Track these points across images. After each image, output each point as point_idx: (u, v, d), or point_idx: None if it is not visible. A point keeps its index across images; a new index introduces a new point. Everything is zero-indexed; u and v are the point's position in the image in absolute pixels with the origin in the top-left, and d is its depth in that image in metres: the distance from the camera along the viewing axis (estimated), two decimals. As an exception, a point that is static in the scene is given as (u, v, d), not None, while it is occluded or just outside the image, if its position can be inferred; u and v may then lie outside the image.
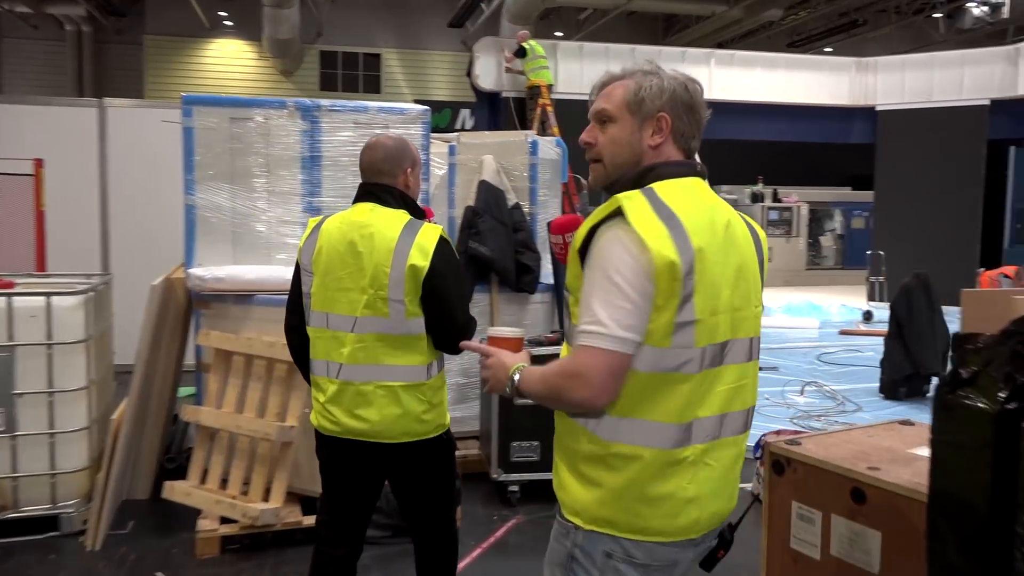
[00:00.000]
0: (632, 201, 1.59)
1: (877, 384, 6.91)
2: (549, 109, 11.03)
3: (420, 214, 2.57)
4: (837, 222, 17.68)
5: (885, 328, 10.28)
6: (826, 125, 13.18)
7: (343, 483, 2.60)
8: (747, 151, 16.66)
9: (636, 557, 1.65)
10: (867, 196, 18.36)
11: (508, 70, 11.46)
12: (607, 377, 1.55)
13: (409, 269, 2.40)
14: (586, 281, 1.59)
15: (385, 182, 2.54)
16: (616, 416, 1.61)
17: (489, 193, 5.12)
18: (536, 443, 4.36)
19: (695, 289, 1.57)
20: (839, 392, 6.73)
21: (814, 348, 9.10)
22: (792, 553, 2.21)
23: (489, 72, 11.92)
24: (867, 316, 11.10)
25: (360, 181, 2.60)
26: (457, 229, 5.16)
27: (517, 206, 5.24)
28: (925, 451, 2.21)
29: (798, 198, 17.14)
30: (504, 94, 11.92)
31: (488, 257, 4.98)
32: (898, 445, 2.24)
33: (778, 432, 4.54)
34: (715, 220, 1.65)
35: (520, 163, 5.33)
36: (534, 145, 5.34)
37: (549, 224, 2.09)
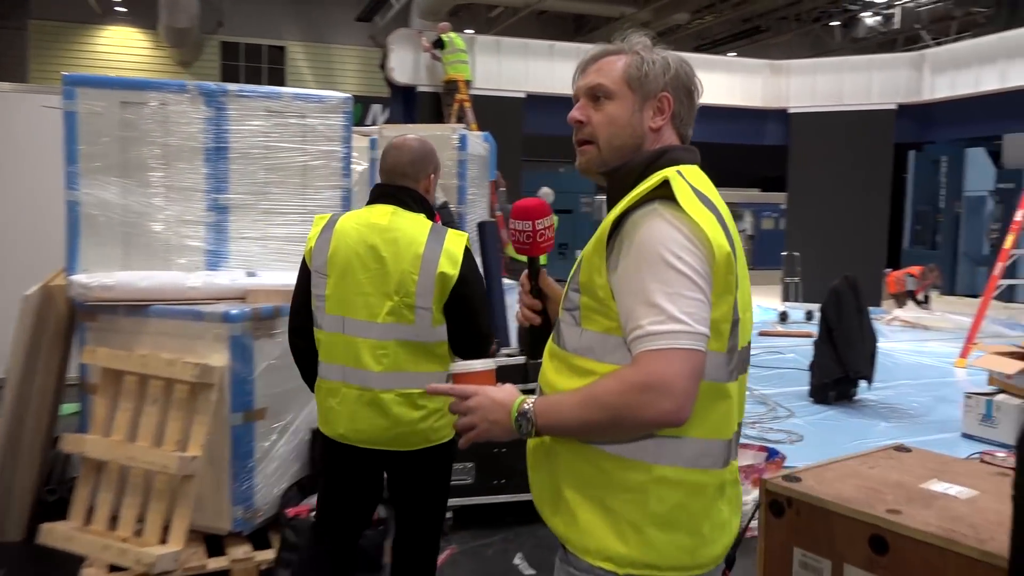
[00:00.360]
0: (677, 182, 1.39)
1: (804, 387, 6.84)
2: (467, 105, 10.67)
3: (434, 219, 2.50)
4: (747, 223, 17.96)
5: (802, 329, 10.46)
6: (740, 127, 13.26)
7: (346, 488, 2.58)
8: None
9: None
10: (776, 198, 18.76)
11: (434, 56, 11.03)
12: (692, 383, 1.31)
13: (439, 277, 2.36)
14: (630, 274, 1.36)
15: (408, 185, 2.46)
16: (662, 434, 1.39)
17: (414, 191, 4.72)
18: (471, 464, 3.99)
19: (737, 283, 1.40)
20: (768, 396, 6.62)
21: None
22: (792, 608, 1.93)
23: (405, 65, 11.46)
24: (783, 317, 11.18)
25: (377, 181, 2.52)
26: (379, 230, 4.75)
27: (445, 205, 4.86)
28: (939, 486, 1.98)
29: (710, 199, 17.31)
30: (420, 88, 11.49)
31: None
32: (907, 479, 1.98)
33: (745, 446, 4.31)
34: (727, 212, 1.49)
35: (448, 159, 4.95)
36: (463, 140, 4.97)
37: (511, 207, 1.72)
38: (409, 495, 2.58)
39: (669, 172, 1.42)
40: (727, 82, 12.99)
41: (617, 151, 1.50)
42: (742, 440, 3.16)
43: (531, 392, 1.49)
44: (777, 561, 1.96)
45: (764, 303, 12.79)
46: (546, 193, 10.57)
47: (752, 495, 4.02)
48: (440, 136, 5.00)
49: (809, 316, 11.24)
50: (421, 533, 2.60)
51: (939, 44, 17.23)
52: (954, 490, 1.91)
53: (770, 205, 18.19)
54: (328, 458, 2.57)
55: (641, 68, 1.50)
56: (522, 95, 11.78)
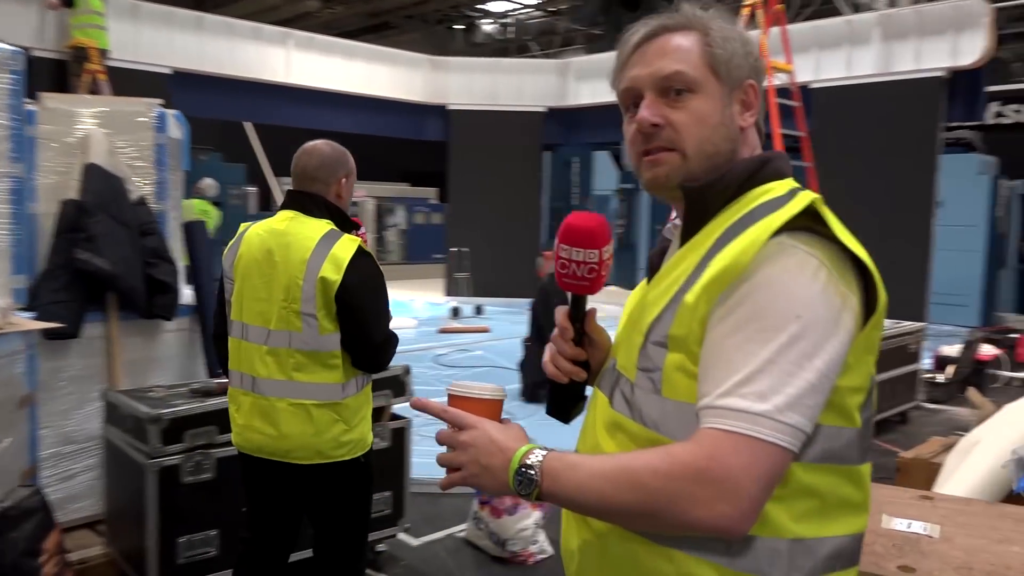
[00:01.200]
0: (824, 208, 1.08)
1: (509, 387, 6.84)
2: (101, 78, 8.99)
3: (349, 225, 2.48)
4: (400, 217, 17.98)
5: (479, 324, 10.63)
6: (400, 120, 13.11)
7: (262, 501, 2.57)
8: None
9: None
10: (426, 192, 19.07)
11: (59, 7, 9.07)
12: (764, 487, 0.99)
13: (319, 282, 2.32)
14: (733, 327, 1.02)
15: (315, 190, 2.45)
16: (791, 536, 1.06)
17: (103, 183, 3.66)
18: (214, 532, 3.16)
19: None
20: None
21: (425, 350, 8.82)
22: None
23: (14, 25, 9.33)
24: (455, 312, 11.27)
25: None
26: (53, 231, 3.59)
27: (142, 201, 3.85)
28: (900, 523, 1.85)
29: (365, 193, 17.00)
30: (36, 53, 9.44)
31: (108, 272, 3.55)
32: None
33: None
34: None
35: (142, 141, 3.92)
36: (162, 118, 3.98)
37: (562, 227, 1.20)
38: (313, 514, 2.55)
39: (806, 194, 1.09)
40: (390, 74, 12.75)
41: (710, 160, 1.15)
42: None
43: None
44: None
45: (429, 298, 12.83)
46: (209, 184, 9.35)
47: (534, 516, 3.76)
48: (129, 113, 3.94)
49: (479, 310, 11.48)
50: (328, 559, 2.55)
51: (547, 56, 19.26)
52: (918, 526, 1.77)
53: (420, 200, 18.42)
54: (241, 470, 2.57)
55: (725, 48, 1.15)
56: (168, 71, 10.31)
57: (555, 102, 13.29)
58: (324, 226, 2.40)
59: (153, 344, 3.86)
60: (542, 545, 3.81)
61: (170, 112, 4.21)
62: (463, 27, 19.06)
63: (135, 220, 3.74)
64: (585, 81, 13.18)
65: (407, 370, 3.74)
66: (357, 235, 2.51)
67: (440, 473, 1.16)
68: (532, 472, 1.06)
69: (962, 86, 9.25)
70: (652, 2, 14.96)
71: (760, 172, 1.14)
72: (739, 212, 1.10)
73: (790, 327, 0.99)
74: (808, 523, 1.06)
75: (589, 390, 1.33)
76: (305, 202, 2.42)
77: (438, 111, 13.28)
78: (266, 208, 16.13)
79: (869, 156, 9.39)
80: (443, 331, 10.08)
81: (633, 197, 16.00)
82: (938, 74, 9.23)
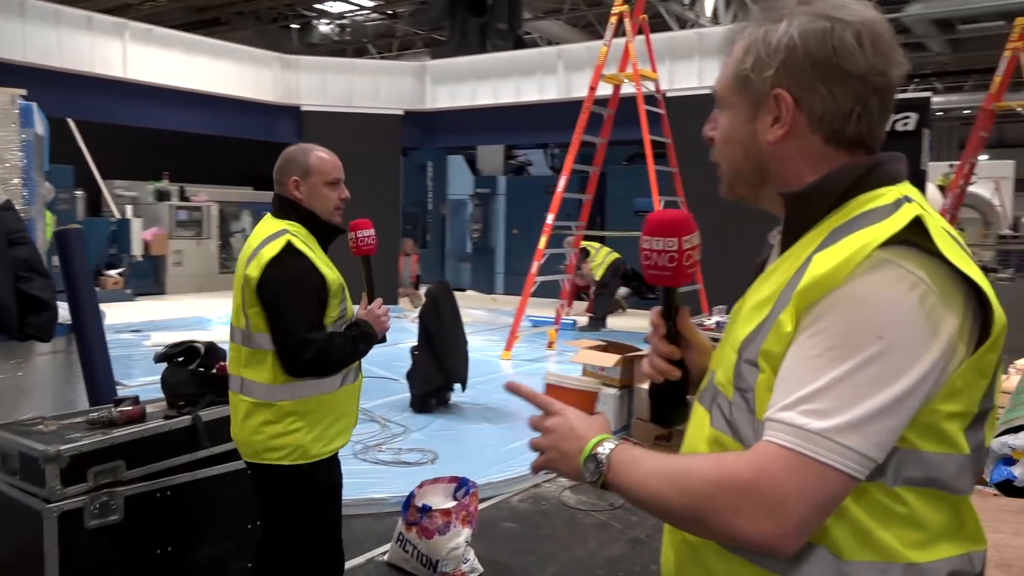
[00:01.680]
0: (933, 222, 1.01)
1: (395, 398, 6.63)
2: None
3: (325, 227, 2.56)
4: (246, 222, 17.07)
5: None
6: (251, 121, 12.47)
7: None
8: (152, 143, 14.89)
9: None
10: (269, 196, 18.23)
11: None
12: (814, 509, 0.96)
13: (244, 279, 2.40)
14: (819, 344, 0.97)
15: (278, 191, 2.55)
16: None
17: (-36, 184, 3.15)
18: (125, 580, 2.78)
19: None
20: (369, 410, 6.20)
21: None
22: None
23: None
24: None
25: None
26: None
27: (8, 206, 3.35)
28: None
29: (208, 197, 16.02)
30: None
31: (-27, 288, 3.06)
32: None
33: (434, 481, 3.79)
34: None
35: (6, 138, 3.42)
36: (27, 112, 3.49)
37: (647, 220, 1.22)
38: (261, 520, 2.63)
39: (912, 205, 1.02)
40: (237, 72, 12.07)
41: (739, 178, 1.17)
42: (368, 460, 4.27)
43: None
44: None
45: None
46: (49, 188, 8.41)
47: (464, 534, 3.61)
48: (-11, 104, 3.42)
49: (343, 319, 11.10)
50: (263, 570, 2.59)
51: (384, 58, 19.17)
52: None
53: (267, 205, 17.54)
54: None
55: (746, 60, 1.11)
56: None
57: (412, 105, 13.09)
58: (276, 226, 2.46)
59: (26, 370, 3.37)
60: (472, 563, 3.66)
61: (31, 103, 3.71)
62: (298, 27, 18.46)
63: (3, 228, 3.25)
64: (442, 84, 13.07)
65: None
66: (359, 238, 2.72)
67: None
68: (599, 461, 1.08)
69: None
70: (498, 7, 15.13)
71: (868, 176, 1.06)
72: (840, 220, 1.04)
73: (870, 347, 0.94)
74: (917, 548, 1.01)
75: (690, 397, 1.28)
76: (274, 203, 2.55)
77: (290, 112, 12.73)
78: (96, 213, 14.84)
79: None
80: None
81: (489, 202, 16.05)
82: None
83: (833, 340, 0.96)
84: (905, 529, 1.00)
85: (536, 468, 1.19)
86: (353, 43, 18.56)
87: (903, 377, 0.94)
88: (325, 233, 2.57)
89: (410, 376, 6.33)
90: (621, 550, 4.02)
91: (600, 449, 1.09)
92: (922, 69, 28.24)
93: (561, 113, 11.99)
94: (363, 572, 3.71)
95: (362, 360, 2.63)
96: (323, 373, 2.43)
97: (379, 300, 2.64)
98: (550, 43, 20.47)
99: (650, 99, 8.24)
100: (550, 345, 9.33)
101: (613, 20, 8.11)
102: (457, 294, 16.20)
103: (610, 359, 5.69)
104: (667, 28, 17.80)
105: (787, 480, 0.94)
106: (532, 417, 1.19)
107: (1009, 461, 2.20)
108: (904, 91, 15.12)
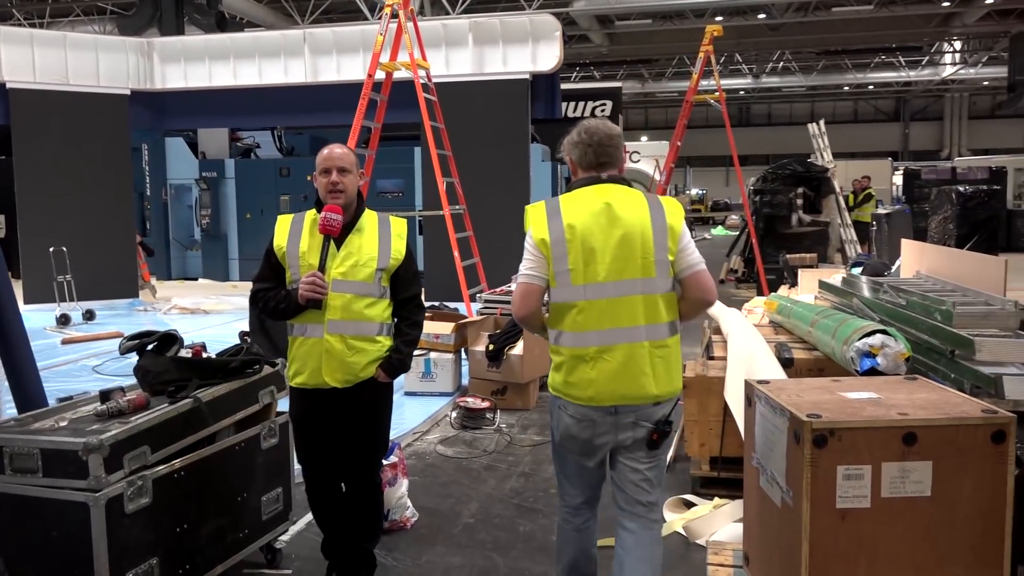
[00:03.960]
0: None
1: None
2: None
3: (320, 207, 3.19)
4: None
5: (105, 330, 9.51)
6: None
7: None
8: None
9: None
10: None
11: None
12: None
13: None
14: None
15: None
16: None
17: None
18: (155, 560, 2.89)
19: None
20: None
21: (71, 363, 7.79)
22: (839, 512, 2.45)
23: None
24: (65, 320, 9.93)
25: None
26: None
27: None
28: (858, 395, 2.75)
29: None
30: None
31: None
32: (839, 397, 2.69)
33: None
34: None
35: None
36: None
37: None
38: None
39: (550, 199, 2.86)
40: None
41: None
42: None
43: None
44: (823, 482, 2.43)
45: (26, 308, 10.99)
46: None
47: (405, 484, 4.07)
48: None
49: (90, 315, 10.29)
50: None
51: (40, 27, 17.53)
52: (866, 395, 2.73)
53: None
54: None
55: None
56: None
57: (139, 84, 12.27)
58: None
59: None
60: (413, 509, 4.12)
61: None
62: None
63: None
64: (173, 63, 12.42)
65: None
66: (324, 218, 3.07)
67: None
68: None
69: (542, 88, 11.13)
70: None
71: (575, 184, 2.84)
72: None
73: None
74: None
75: None
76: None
77: (-8, 89, 11.29)
78: None
79: (471, 147, 10.71)
80: (68, 341, 8.89)
81: (217, 186, 15.47)
82: (524, 76, 10.96)
83: None
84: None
85: None
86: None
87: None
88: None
89: (242, 361, 6.36)
90: (518, 483, 4.69)
91: None
92: (583, 59, 32.00)
93: (307, 96, 12.08)
94: (311, 532, 3.98)
95: (298, 328, 3.21)
96: (268, 315, 3.23)
97: (313, 272, 3.03)
98: (251, 24, 19.99)
99: (425, 87, 8.81)
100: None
101: (387, 11, 8.53)
102: (190, 284, 15.56)
103: (446, 327, 6.28)
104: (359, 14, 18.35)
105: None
106: None
107: (869, 355, 3.28)
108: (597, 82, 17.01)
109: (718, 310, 5.08)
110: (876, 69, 34.86)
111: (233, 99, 12.36)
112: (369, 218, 3.18)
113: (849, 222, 14.31)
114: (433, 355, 6.32)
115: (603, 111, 16.92)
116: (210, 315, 11.03)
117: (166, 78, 12.47)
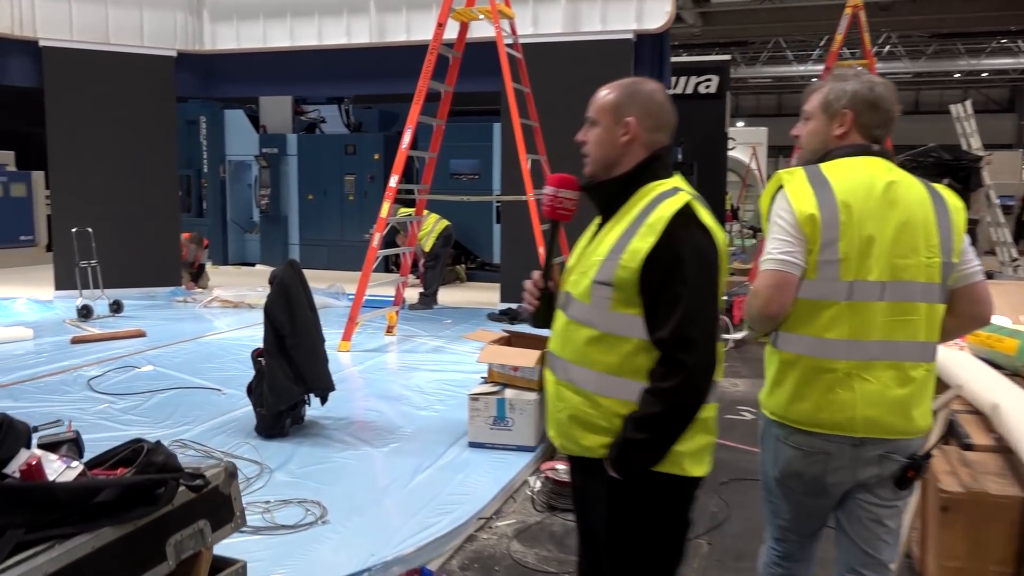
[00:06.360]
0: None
1: (223, 418, 5.07)
2: None
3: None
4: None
5: (128, 326, 8.15)
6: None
7: None
8: None
9: None
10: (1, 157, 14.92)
11: None
12: None
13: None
14: None
15: None
16: None
17: None
18: None
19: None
20: (200, 444, 4.59)
21: (65, 372, 6.36)
22: None
23: None
24: (86, 312, 8.59)
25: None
26: None
27: None
28: None
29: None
30: None
31: None
32: None
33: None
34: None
35: None
36: None
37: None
38: None
39: None
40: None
41: None
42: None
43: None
44: None
45: (33, 295, 9.78)
46: None
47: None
48: None
49: (117, 307, 8.94)
50: None
51: None
52: None
53: (-6, 167, 14.27)
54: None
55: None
56: None
57: (186, 45, 10.89)
58: None
59: None
60: None
61: None
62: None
63: None
64: (225, 23, 10.98)
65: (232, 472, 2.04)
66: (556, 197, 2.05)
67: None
68: None
69: (648, 51, 9.24)
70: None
71: None
72: None
73: None
74: None
75: None
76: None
77: (25, 48, 10.04)
78: None
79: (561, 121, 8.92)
80: (77, 340, 7.50)
81: (278, 164, 14.09)
82: (627, 36, 9.09)
83: None
84: None
85: None
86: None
87: None
88: None
89: (255, 391, 4.77)
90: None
91: None
92: (674, 41, 29.78)
93: (374, 59, 10.49)
94: None
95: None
96: None
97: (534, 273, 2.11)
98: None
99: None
100: (390, 330, 7.97)
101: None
102: (246, 269, 14.27)
103: (529, 356, 4.54)
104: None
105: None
106: None
107: None
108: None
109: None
110: (992, 55, 31.51)
111: (290, 63, 10.83)
112: (643, 196, 1.91)
113: (1002, 220, 12.29)
114: (509, 394, 4.58)
115: (707, 87, 14.85)
116: (255, 310, 9.55)
117: (216, 38, 11.03)
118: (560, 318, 1.99)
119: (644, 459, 1.82)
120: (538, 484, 4.10)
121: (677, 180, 1.94)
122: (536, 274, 2.06)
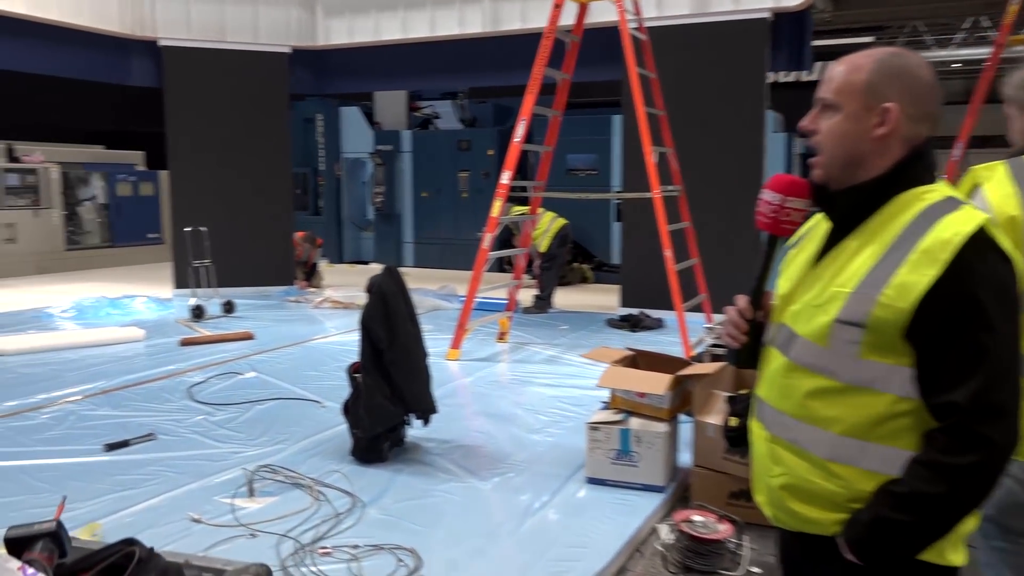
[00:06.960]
0: None
1: (317, 436, 4.69)
2: None
3: None
4: (98, 188, 14.19)
5: (237, 328, 8.01)
6: (95, 58, 9.83)
7: None
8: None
9: None
10: (127, 156, 15.40)
11: None
12: None
13: None
14: None
15: None
16: None
17: None
18: None
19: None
20: (293, 473, 4.19)
21: (168, 378, 6.17)
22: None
23: None
24: (198, 312, 8.51)
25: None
26: None
27: None
28: None
29: (44, 157, 13.11)
30: None
31: None
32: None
33: None
34: None
35: None
36: None
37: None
38: None
39: None
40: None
41: None
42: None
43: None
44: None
45: (152, 293, 9.84)
46: None
47: None
48: None
49: (229, 307, 8.84)
50: None
51: None
52: None
53: (122, 166, 14.74)
54: None
55: None
56: None
57: (300, 41, 10.74)
58: None
59: None
60: None
61: None
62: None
63: None
64: (337, 17, 10.78)
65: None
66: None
67: None
68: None
69: (786, 31, 8.35)
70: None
71: None
72: None
73: None
74: None
75: None
76: None
77: (145, 48, 10.13)
78: None
79: (688, 113, 8.16)
80: (186, 343, 7.37)
81: (392, 161, 13.89)
82: (762, 15, 8.23)
83: None
84: None
85: None
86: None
87: None
88: None
89: (351, 411, 4.33)
90: None
91: None
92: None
93: (488, 50, 10.02)
94: None
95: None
96: None
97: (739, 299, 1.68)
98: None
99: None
100: (502, 337, 7.46)
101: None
102: (360, 268, 14.15)
103: (659, 381, 3.89)
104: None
105: None
106: None
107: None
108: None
109: None
110: None
111: (402, 56, 10.52)
112: (903, 208, 1.41)
113: None
114: (634, 423, 3.95)
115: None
116: (364, 311, 9.28)
117: (330, 34, 10.85)
118: (775, 359, 1.59)
119: (904, 546, 1.45)
120: (671, 536, 3.46)
121: (944, 187, 1.39)
122: (742, 300, 1.65)
